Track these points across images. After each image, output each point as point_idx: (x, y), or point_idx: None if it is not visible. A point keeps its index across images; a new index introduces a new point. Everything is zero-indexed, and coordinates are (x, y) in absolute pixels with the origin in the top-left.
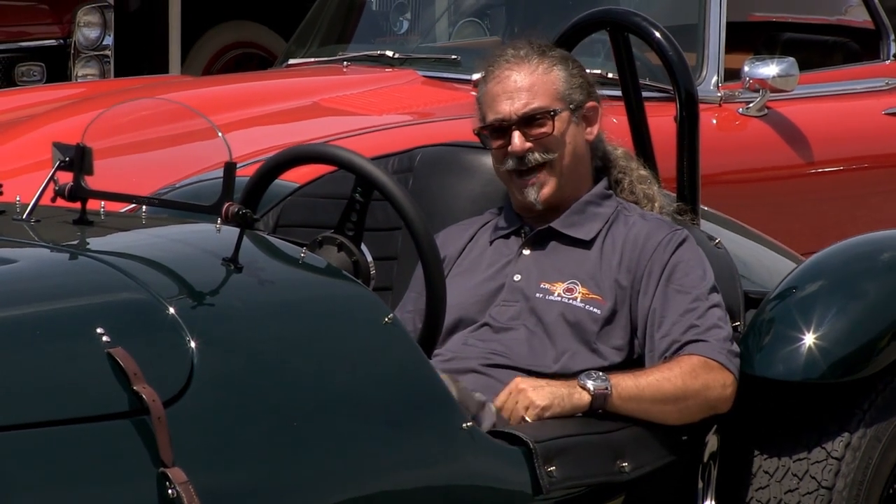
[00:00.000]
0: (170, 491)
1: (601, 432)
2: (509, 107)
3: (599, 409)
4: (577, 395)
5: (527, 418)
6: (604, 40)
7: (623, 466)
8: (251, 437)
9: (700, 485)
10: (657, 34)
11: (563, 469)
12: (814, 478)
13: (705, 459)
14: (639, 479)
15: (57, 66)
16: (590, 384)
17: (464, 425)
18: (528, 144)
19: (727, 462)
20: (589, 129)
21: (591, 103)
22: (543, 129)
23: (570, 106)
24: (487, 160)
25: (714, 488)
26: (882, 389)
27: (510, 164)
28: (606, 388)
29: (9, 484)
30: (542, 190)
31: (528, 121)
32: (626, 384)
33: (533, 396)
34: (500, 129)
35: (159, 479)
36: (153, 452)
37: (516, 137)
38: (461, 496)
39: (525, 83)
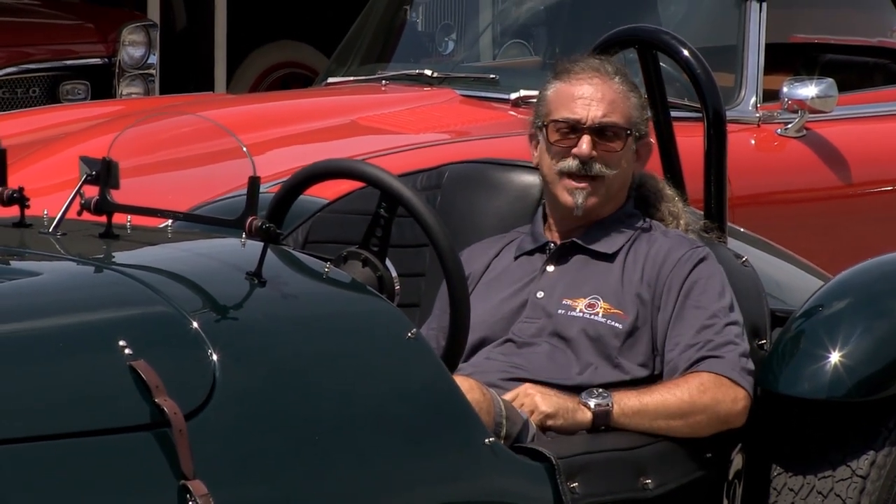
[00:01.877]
0: (190, 503)
1: (625, 449)
2: (587, 111)
3: (602, 426)
4: (581, 412)
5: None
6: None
7: (646, 483)
8: (272, 451)
9: (725, 503)
10: (685, 52)
11: (585, 485)
12: (839, 496)
13: (730, 477)
14: (663, 496)
15: (102, 85)
16: (591, 402)
17: (486, 441)
18: (594, 153)
19: (752, 480)
20: (639, 163)
21: (650, 139)
22: (613, 145)
23: (635, 134)
24: (515, 177)
25: None
26: None
27: (571, 164)
28: (608, 405)
29: (32, 495)
30: (588, 199)
31: (601, 131)
32: (628, 401)
33: (539, 402)
34: (573, 129)
35: (180, 492)
36: (174, 465)
37: (586, 142)
38: None
39: (608, 96)
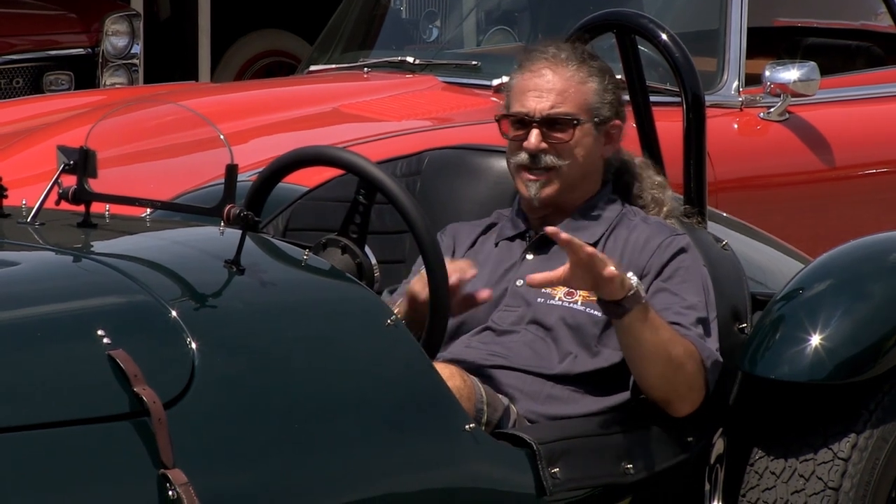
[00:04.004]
0: (170, 492)
1: (606, 434)
2: (536, 104)
3: (630, 306)
4: (627, 280)
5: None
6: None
7: (628, 468)
8: (252, 438)
9: (707, 486)
10: (664, 36)
11: (567, 471)
12: (820, 478)
13: (712, 461)
14: (645, 480)
15: (85, 75)
16: (634, 280)
17: (467, 427)
18: (544, 145)
19: (733, 463)
20: (608, 146)
21: (616, 122)
22: (562, 135)
23: (595, 119)
24: (495, 163)
25: (721, 490)
26: (888, 390)
27: (522, 157)
28: (643, 295)
29: (9, 485)
30: (543, 189)
31: (550, 122)
32: (654, 313)
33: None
34: (522, 123)
35: (160, 481)
36: (154, 454)
37: (534, 136)
38: (464, 498)
39: (558, 85)
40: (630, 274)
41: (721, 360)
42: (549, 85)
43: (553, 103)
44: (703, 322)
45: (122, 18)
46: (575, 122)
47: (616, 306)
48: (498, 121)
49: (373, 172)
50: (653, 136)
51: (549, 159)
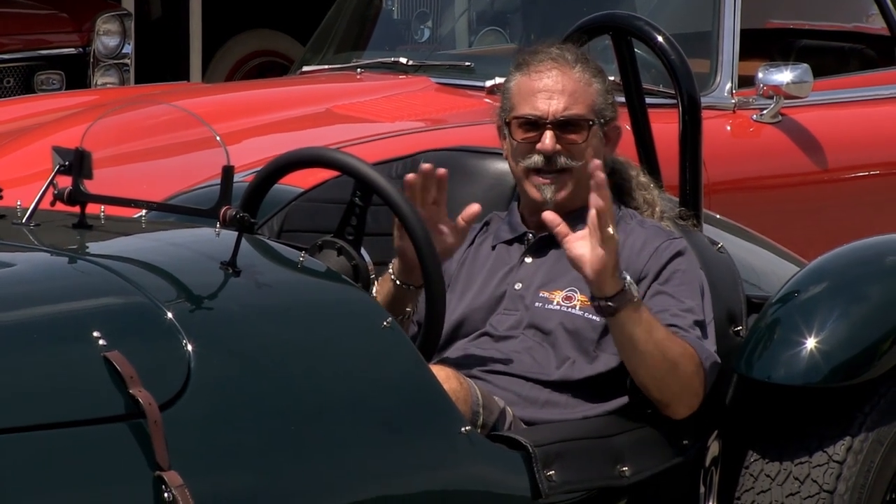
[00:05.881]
0: (166, 494)
1: (601, 436)
2: (548, 105)
3: (620, 305)
4: (620, 276)
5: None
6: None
7: (623, 471)
8: (248, 440)
9: (702, 489)
10: (660, 38)
11: (562, 473)
12: (815, 481)
13: (707, 464)
14: (640, 483)
15: (76, 75)
16: (626, 276)
17: (463, 429)
18: (558, 147)
19: (729, 466)
20: (607, 148)
21: (616, 123)
22: (576, 137)
23: (601, 120)
24: (490, 165)
25: (716, 493)
26: (884, 393)
27: (536, 160)
28: (635, 295)
29: (4, 487)
30: (558, 192)
31: (563, 125)
32: (648, 314)
33: (594, 259)
34: (534, 125)
35: (155, 483)
36: (149, 456)
37: (548, 137)
38: (460, 500)
39: (569, 87)
40: (623, 272)
41: (719, 361)
42: (558, 86)
43: (566, 105)
44: (700, 324)
45: (114, 18)
46: (590, 122)
47: (608, 304)
48: (507, 123)
49: (370, 175)
50: (649, 139)
51: (563, 160)
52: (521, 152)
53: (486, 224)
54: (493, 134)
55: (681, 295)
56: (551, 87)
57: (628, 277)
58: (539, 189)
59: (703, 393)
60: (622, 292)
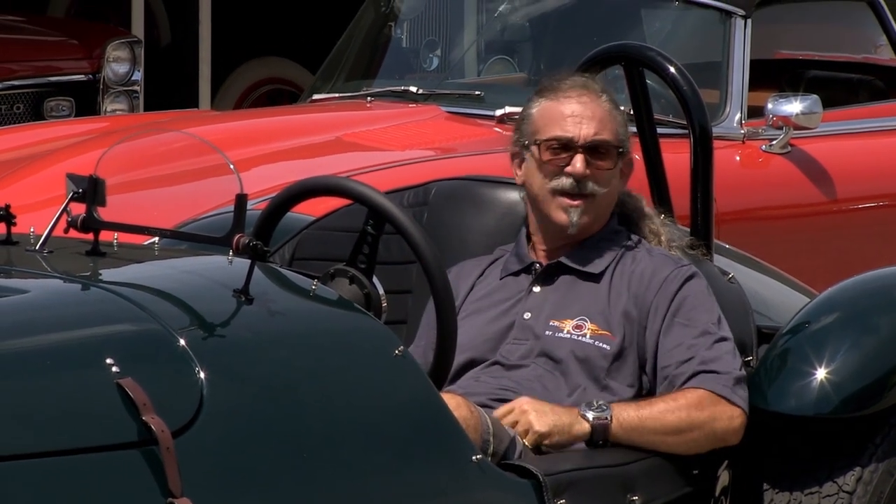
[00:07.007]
0: None
1: (612, 465)
2: (578, 129)
3: (600, 440)
4: (578, 425)
5: (525, 442)
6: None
7: (634, 500)
8: (260, 468)
9: None
10: (672, 69)
11: (573, 502)
12: None
13: (717, 493)
14: None
15: (86, 102)
16: (590, 414)
17: (474, 458)
18: (588, 172)
19: (739, 496)
20: (622, 179)
21: (631, 157)
22: (605, 163)
23: (621, 150)
24: (502, 194)
25: None
26: (894, 424)
27: (565, 183)
28: (607, 419)
29: None
30: (583, 216)
31: (593, 149)
32: (627, 415)
33: (534, 421)
34: (564, 147)
35: None
36: (162, 483)
37: (579, 161)
38: None
39: (598, 113)
40: (583, 407)
41: (744, 373)
42: (588, 112)
43: (596, 130)
44: (717, 342)
45: (124, 45)
46: (619, 150)
47: (598, 442)
48: (535, 144)
49: (382, 204)
50: (660, 169)
51: (591, 186)
52: (549, 173)
53: (496, 260)
54: (505, 163)
55: (694, 320)
56: (581, 112)
57: (590, 413)
58: (566, 211)
59: (737, 410)
60: (594, 427)
